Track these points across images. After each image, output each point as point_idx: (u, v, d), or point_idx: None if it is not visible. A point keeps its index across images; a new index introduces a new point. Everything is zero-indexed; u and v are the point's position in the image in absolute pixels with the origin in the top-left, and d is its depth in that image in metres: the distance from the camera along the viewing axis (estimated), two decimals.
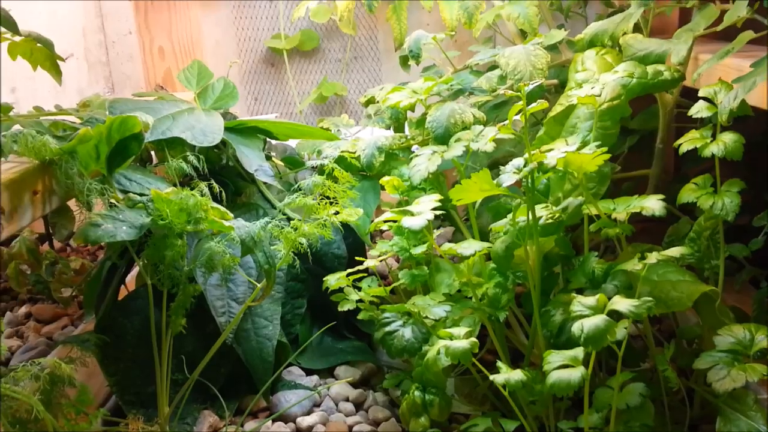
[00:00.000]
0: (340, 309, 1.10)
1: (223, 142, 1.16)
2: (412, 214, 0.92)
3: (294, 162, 1.39)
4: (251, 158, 1.16)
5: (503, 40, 1.59)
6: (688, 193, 0.99)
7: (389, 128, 1.44)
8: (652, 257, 0.85)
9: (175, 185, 0.99)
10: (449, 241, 1.23)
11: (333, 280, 1.11)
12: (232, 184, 1.21)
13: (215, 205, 0.92)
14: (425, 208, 0.93)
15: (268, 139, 1.33)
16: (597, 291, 0.96)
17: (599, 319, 0.78)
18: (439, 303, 0.94)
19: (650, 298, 0.80)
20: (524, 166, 0.87)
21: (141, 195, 0.93)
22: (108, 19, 1.88)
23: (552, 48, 1.51)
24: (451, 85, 1.32)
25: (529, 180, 0.87)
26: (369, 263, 1.06)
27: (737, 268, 1.27)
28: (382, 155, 1.18)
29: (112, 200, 0.92)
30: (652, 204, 0.89)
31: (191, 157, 1.01)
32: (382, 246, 1.14)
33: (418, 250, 1.07)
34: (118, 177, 0.97)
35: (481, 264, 1.05)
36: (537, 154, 0.86)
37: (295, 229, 0.92)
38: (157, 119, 1.07)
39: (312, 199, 0.94)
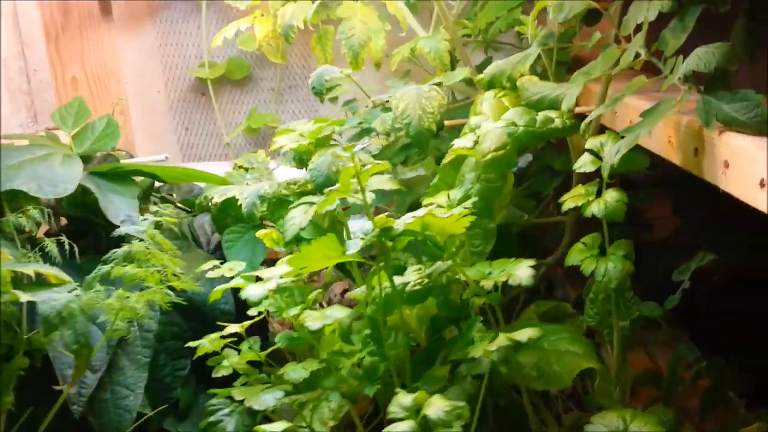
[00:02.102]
0: (214, 375, 1.01)
1: (85, 190, 1.07)
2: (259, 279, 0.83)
3: (192, 205, 1.30)
4: (119, 207, 1.07)
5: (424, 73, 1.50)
6: (575, 255, 0.90)
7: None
8: (498, 341, 0.76)
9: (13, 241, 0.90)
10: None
11: (206, 343, 1.02)
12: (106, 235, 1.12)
13: (42, 268, 0.83)
14: (277, 272, 0.84)
15: (162, 182, 1.24)
16: (473, 365, 0.87)
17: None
18: (279, 387, 0.85)
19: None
20: (372, 231, 0.78)
21: None
22: (29, 45, 1.80)
23: (471, 84, 1.43)
24: (359, 124, 1.23)
25: (380, 247, 0.78)
26: (232, 329, 0.96)
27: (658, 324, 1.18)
28: (264, 204, 1.09)
29: None
30: (521, 273, 0.80)
31: (33, 211, 0.92)
32: (265, 304, 1.05)
33: (292, 313, 0.98)
34: None
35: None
36: (382, 219, 0.77)
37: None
38: None
39: (138, 267, 0.84)
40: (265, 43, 1.65)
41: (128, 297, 0.81)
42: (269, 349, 1.04)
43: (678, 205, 1.44)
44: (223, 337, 1.02)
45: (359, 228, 0.90)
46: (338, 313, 0.82)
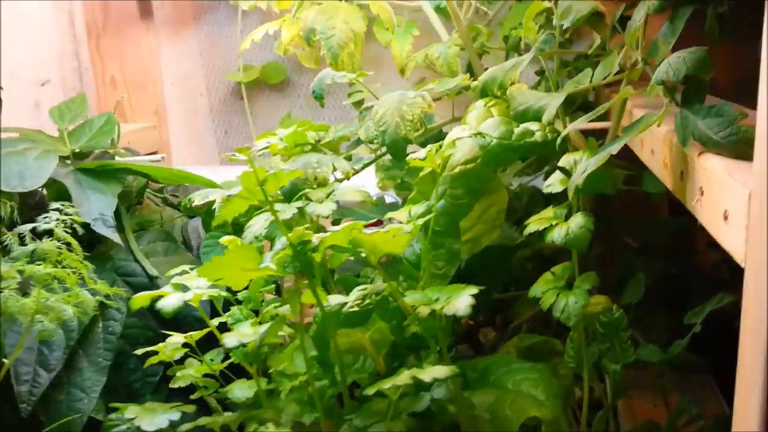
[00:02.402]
0: (171, 385, 0.97)
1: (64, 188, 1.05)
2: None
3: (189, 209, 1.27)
4: (94, 205, 1.05)
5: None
6: (538, 286, 0.79)
7: None
8: (401, 378, 0.66)
9: None
10: None
11: (168, 350, 0.98)
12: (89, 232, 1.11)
13: None
14: (198, 284, 0.79)
15: (154, 181, 1.22)
16: (412, 402, 0.78)
17: None
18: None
19: None
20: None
21: None
22: (82, 45, 1.84)
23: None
24: (352, 132, 1.16)
25: (301, 263, 0.71)
26: (176, 339, 0.92)
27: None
28: None
29: None
30: (459, 302, 0.70)
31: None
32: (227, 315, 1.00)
33: (242, 328, 0.92)
34: None
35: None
36: (298, 232, 0.69)
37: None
38: None
39: (53, 266, 0.80)
40: (292, 47, 1.60)
41: (47, 298, 0.77)
42: (227, 362, 0.99)
43: None
44: (185, 345, 0.98)
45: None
46: (251, 330, 0.76)
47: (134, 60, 1.73)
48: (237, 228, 1.08)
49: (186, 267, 1.02)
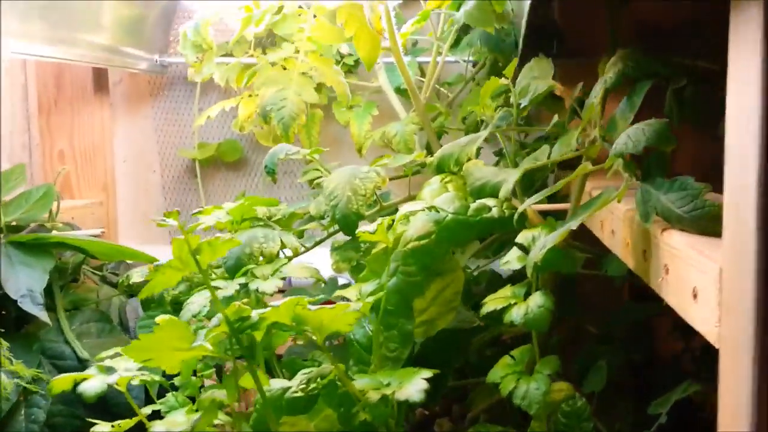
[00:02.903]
0: None
1: None
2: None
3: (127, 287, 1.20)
4: (23, 280, 0.97)
5: None
6: (498, 371, 0.74)
7: None
8: None
9: None
10: None
11: None
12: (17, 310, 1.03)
13: None
14: (127, 366, 0.71)
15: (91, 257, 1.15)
16: None
17: None
18: None
19: None
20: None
21: None
22: (33, 119, 1.79)
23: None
24: (302, 209, 1.12)
25: (237, 341, 0.65)
26: (100, 428, 0.83)
27: None
28: (178, 287, 0.97)
29: None
30: (411, 387, 0.65)
31: None
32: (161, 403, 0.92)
33: (175, 416, 0.84)
34: None
35: None
36: (234, 307, 0.63)
37: None
38: None
39: None
40: (249, 125, 1.58)
41: None
42: None
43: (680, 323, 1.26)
44: None
45: None
46: (183, 418, 0.68)
47: (85, 134, 1.68)
48: (177, 307, 1.01)
49: (120, 349, 0.94)
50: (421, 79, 1.47)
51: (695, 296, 0.53)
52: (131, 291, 1.15)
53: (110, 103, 1.74)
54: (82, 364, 1.03)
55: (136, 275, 1.05)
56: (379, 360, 0.80)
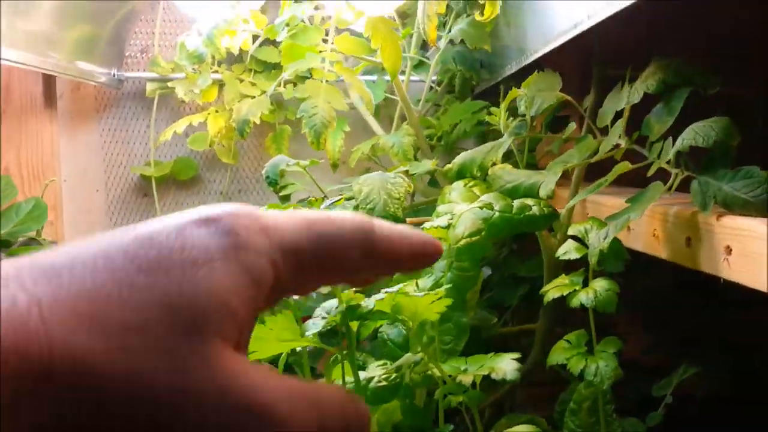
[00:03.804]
0: None
1: None
2: None
3: None
4: None
5: None
6: (558, 353, 0.80)
7: None
8: None
9: None
10: None
11: None
12: None
13: None
14: None
15: None
16: None
17: None
18: None
19: None
20: (336, 308, 0.66)
21: None
22: None
23: (433, 183, 1.37)
24: None
25: (346, 330, 0.67)
26: None
27: None
28: None
29: None
30: (505, 365, 0.69)
31: None
32: None
33: None
34: None
35: None
36: (349, 294, 0.66)
37: None
38: None
39: None
40: (217, 141, 1.57)
41: None
42: None
43: (647, 321, 1.37)
44: None
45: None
46: None
47: (33, 152, 1.61)
48: None
49: None
50: (391, 96, 1.53)
51: None
52: None
53: (57, 118, 1.67)
54: None
55: None
56: (436, 352, 0.83)
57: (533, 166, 1.20)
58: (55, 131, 1.64)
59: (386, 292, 0.67)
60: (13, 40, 1.21)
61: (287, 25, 1.01)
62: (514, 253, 1.36)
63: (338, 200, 0.78)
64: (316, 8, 1.06)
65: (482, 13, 0.86)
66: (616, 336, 1.16)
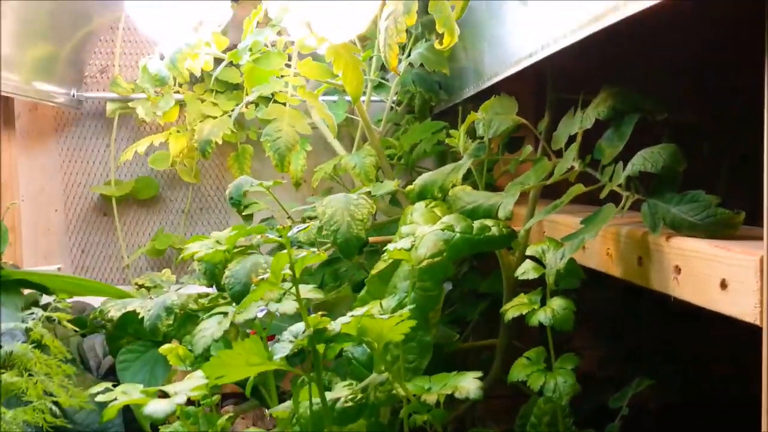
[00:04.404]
0: None
1: None
2: (164, 395, 0.71)
3: (83, 324, 1.15)
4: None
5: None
6: (518, 370, 0.82)
7: (210, 285, 1.24)
8: None
9: None
10: None
11: None
12: None
13: None
14: (187, 386, 0.72)
15: (50, 295, 1.10)
16: None
17: None
18: None
19: None
20: (303, 333, 0.68)
21: None
22: None
23: (394, 202, 1.39)
24: (277, 235, 1.15)
25: (313, 353, 0.68)
26: None
27: None
28: (170, 317, 0.97)
29: None
30: (468, 384, 0.71)
31: None
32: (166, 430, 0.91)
33: None
34: None
35: None
36: (316, 318, 0.68)
37: None
38: None
39: (17, 375, 0.70)
40: (178, 161, 1.58)
41: None
42: None
43: (601, 334, 1.41)
44: None
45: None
46: None
47: None
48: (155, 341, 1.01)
49: (95, 386, 0.92)
50: (351, 116, 1.56)
51: (724, 286, 0.65)
52: (93, 329, 1.11)
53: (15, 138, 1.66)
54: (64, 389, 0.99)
55: (114, 309, 1.03)
56: (400, 371, 0.86)
57: (491, 185, 1.23)
58: (13, 152, 1.62)
59: (352, 316, 0.69)
60: None
61: (250, 50, 1.02)
62: (473, 269, 1.39)
63: (305, 228, 0.80)
64: (279, 33, 1.07)
65: (441, 42, 0.89)
66: (572, 351, 1.19)
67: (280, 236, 0.67)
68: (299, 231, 0.95)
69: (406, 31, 1.15)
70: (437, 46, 0.90)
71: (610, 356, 1.39)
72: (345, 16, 0.87)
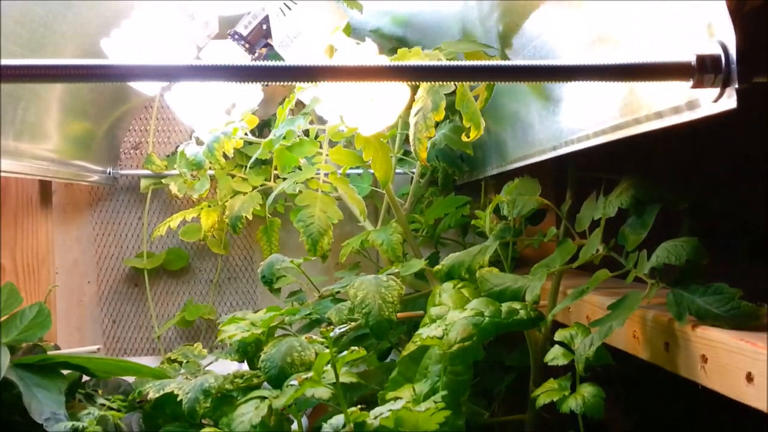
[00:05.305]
0: None
1: (10, 383, 0.96)
2: None
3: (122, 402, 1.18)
4: (44, 404, 0.96)
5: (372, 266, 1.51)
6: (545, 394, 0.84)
7: (241, 361, 1.27)
8: None
9: None
10: None
11: None
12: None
13: None
14: None
15: (91, 376, 1.13)
16: None
17: None
18: None
19: None
20: (343, 427, 0.71)
21: None
22: None
23: (420, 277, 1.42)
24: (309, 314, 1.18)
25: None
26: None
27: None
28: (208, 400, 1.00)
29: None
30: None
31: None
32: None
33: None
34: None
35: None
36: (356, 412, 0.70)
37: None
38: None
39: None
40: (209, 234, 1.63)
41: None
42: None
43: (628, 407, 1.42)
44: None
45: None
46: None
47: (29, 247, 1.64)
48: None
49: None
50: (375, 188, 1.60)
51: (750, 379, 0.67)
52: (131, 408, 1.14)
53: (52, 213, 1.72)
54: None
55: (152, 390, 1.06)
56: None
57: (515, 258, 1.26)
58: (50, 227, 1.68)
59: (390, 410, 0.71)
60: (8, 149, 1.26)
61: (284, 138, 1.07)
62: (498, 340, 1.41)
63: (347, 329, 0.83)
64: (311, 122, 1.13)
65: (468, 135, 0.93)
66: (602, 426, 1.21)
67: (324, 338, 0.70)
68: (341, 332, 0.98)
69: None
70: (464, 139, 0.94)
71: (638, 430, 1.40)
72: (376, 111, 0.91)
